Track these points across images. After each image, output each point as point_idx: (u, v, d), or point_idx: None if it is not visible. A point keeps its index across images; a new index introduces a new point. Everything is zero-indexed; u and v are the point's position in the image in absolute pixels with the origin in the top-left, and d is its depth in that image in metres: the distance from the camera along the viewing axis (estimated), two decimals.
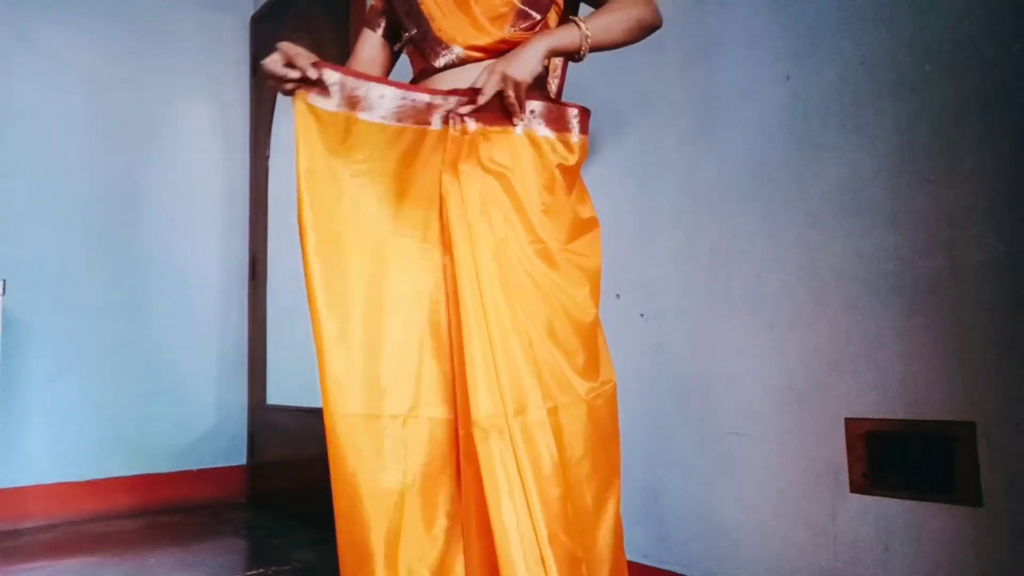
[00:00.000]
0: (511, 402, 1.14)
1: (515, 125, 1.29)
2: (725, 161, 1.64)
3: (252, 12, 3.65)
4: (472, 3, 1.34)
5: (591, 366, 1.29)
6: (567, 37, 1.31)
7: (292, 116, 1.21)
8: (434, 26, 1.36)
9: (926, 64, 1.31)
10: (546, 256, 1.27)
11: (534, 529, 1.10)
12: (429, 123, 1.28)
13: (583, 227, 1.35)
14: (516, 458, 1.13)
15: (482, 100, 1.25)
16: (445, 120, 1.28)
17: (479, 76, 1.29)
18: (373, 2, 1.53)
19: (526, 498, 1.11)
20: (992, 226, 1.21)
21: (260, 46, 3.52)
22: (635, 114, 1.83)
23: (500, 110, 1.28)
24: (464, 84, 1.32)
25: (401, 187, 1.28)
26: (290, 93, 1.23)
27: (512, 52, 1.29)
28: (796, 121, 1.50)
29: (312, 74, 1.20)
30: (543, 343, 1.23)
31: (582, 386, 1.25)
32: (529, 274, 1.24)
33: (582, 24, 1.31)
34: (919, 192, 1.30)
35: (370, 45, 1.51)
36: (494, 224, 1.23)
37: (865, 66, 1.39)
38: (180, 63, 3.42)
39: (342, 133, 1.24)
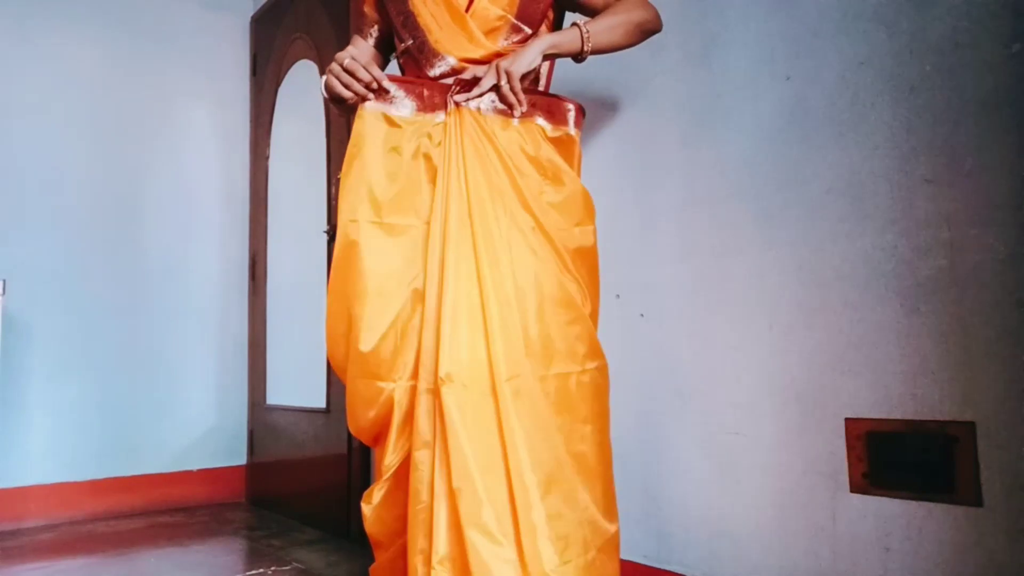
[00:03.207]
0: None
1: (514, 116, 1.35)
2: (725, 161, 1.64)
3: (252, 12, 3.65)
4: (467, 17, 1.38)
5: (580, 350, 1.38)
6: (568, 37, 1.37)
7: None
8: (431, 38, 1.40)
9: (926, 64, 1.31)
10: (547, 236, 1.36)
11: None
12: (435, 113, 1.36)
13: (583, 217, 1.43)
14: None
15: (477, 91, 1.33)
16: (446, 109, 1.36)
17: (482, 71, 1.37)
18: (365, 10, 1.54)
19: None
20: (992, 226, 1.21)
21: (260, 46, 3.52)
22: (635, 114, 1.83)
23: (501, 102, 1.35)
24: None
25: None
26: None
27: (513, 52, 1.36)
28: (796, 121, 1.50)
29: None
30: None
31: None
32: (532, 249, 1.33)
33: (583, 27, 1.37)
34: (919, 192, 1.30)
35: (362, 52, 1.54)
36: (499, 216, 1.31)
37: (865, 66, 1.39)
38: (180, 63, 3.42)
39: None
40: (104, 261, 3.13)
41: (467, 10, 1.40)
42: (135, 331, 3.17)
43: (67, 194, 3.07)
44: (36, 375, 2.92)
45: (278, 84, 3.34)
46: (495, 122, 1.34)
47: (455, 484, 1.17)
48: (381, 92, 1.33)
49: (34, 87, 3.04)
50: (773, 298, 1.52)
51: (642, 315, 1.79)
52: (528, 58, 1.33)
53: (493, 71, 1.33)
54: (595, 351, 1.39)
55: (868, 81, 1.39)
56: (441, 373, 1.21)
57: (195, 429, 3.29)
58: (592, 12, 1.48)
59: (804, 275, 1.47)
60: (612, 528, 1.37)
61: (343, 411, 2.65)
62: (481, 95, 1.33)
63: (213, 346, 3.39)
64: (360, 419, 1.35)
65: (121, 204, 3.20)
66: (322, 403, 2.79)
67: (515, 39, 1.40)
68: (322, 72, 2.97)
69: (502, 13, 1.39)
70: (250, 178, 3.53)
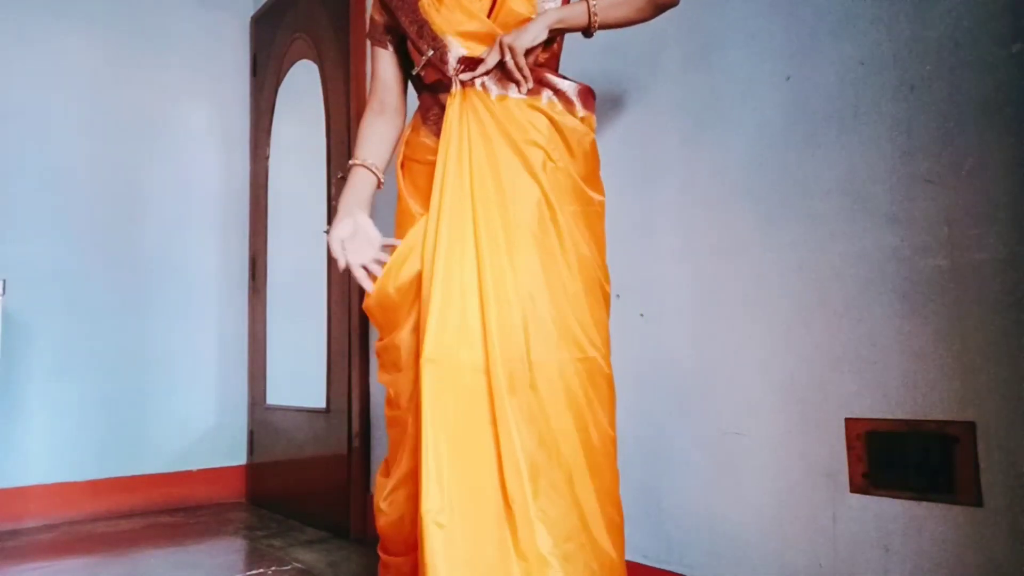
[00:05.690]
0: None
1: (520, 91, 1.35)
2: (725, 161, 1.64)
3: (252, 12, 3.65)
4: (490, 22, 1.39)
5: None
6: (574, 11, 1.37)
7: None
8: (451, 54, 1.39)
9: (926, 64, 1.31)
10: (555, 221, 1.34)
11: None
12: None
13: (587, 202, 1.40)
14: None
15: (482, 68, 1.33)
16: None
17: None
18: (375, 17, 1.51)
19: None
20: (992, 226, 1.21)
21: (260, 46, 3.52)
22: (635, 114, 1.83)
23: (507, 78, 1.35)
24: None
25: None
26: None
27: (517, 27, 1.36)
28: (796, 121, 1.50)
29: None
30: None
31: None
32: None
33: (590, 1, 1.36)
34: (919, 192, 1.30)
35: (389, 64, 1.52)
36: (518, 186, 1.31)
37: (865, 66, 1.39)
38: (180, 63, 3.42)
39: None
40: (104, 261, 3.13)
41: (490, 14, 1.37)
42: (135, 331, 3.17)
43: (67, 194, 3.07)
44: (36, 375, 2.92)
45: (278, 84, 3.34)
46: (499, 99, 1.33)
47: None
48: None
49: (34, 87, 3.04)
50: (773, 298, 1.52)
51: (642, 315, 1.79)
52: (533, 32, 1.32)
53: (497, 47, 1.32)
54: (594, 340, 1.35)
55: (868, 81, 1.39)
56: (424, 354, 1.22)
57: (195, 429, 3.30)
58: None
59: (804, 275, 1.47)
60: (618, 519, 1.36)
61: (343, 411, 2.66)
62: (487, 72, 1.32)
63: (213, 346, 3.39)
64: None
65: (121, 204, 3.20)
66: (322, 403, 2.79)
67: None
68: (322, 72, 2.97)
69: (527, 15, 1.37)
70: (250, 178, 3.53)
